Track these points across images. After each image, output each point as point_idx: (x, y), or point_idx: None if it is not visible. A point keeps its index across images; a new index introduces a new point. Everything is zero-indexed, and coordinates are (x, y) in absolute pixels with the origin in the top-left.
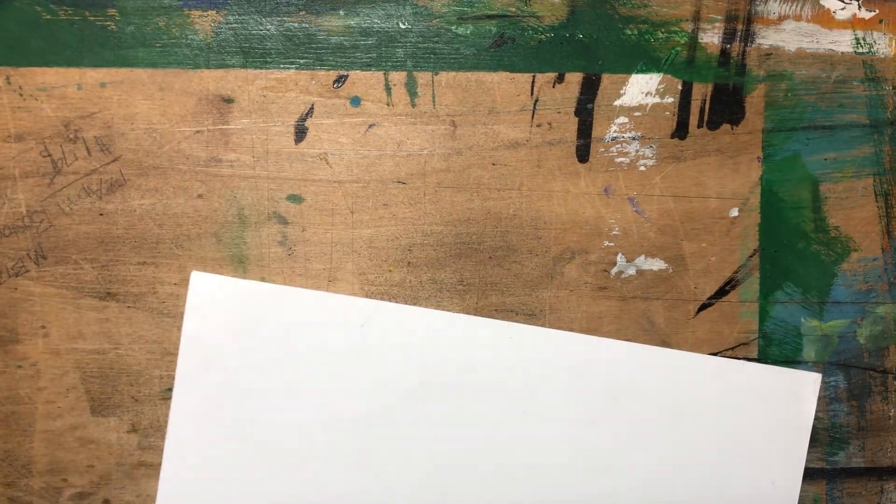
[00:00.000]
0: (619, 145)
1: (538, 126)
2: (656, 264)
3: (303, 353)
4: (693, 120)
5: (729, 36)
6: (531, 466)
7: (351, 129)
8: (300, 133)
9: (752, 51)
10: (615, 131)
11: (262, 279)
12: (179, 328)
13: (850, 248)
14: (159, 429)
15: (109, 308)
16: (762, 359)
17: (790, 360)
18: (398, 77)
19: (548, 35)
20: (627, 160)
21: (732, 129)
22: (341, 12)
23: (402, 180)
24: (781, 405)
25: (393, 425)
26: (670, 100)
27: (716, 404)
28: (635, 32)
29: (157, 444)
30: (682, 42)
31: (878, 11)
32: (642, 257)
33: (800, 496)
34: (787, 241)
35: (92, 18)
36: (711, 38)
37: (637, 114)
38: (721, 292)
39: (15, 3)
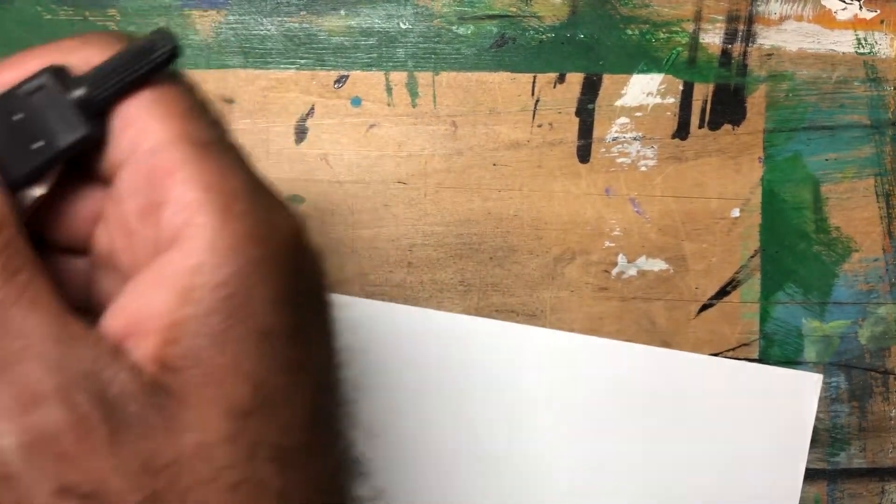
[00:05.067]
0: (620, 146)
1: (539, 126)
2: (657, 265)
3: None
4: (694, 120)
5: (730, 36)
6: (531, 466)
7: (351, 129)
8: (301, 133)
9: (753, 51)
10: (616, 132)
11: None
12: None
13: (851, 249)
14: None
15: None
16: (763, 359)
17: (791, 360)
18: (399, 77)
19: (549, 35)
20: (628, 161)
21: (733, 129)
22: (342, 12)
23: (402, 181)
24: (782, 406)
25: (392, 426)
26: (671, 100)
27: (716, 405)
28: (636, 33)
29: None
30: (684, 42)
31: (879, 12)
32: (643, 258)
33: (801, 497)
34: (788, 241)
35: (92, 19)
36: (713, 38)
37: (638, 114)
38: (722, 293)
39: (15, 3)
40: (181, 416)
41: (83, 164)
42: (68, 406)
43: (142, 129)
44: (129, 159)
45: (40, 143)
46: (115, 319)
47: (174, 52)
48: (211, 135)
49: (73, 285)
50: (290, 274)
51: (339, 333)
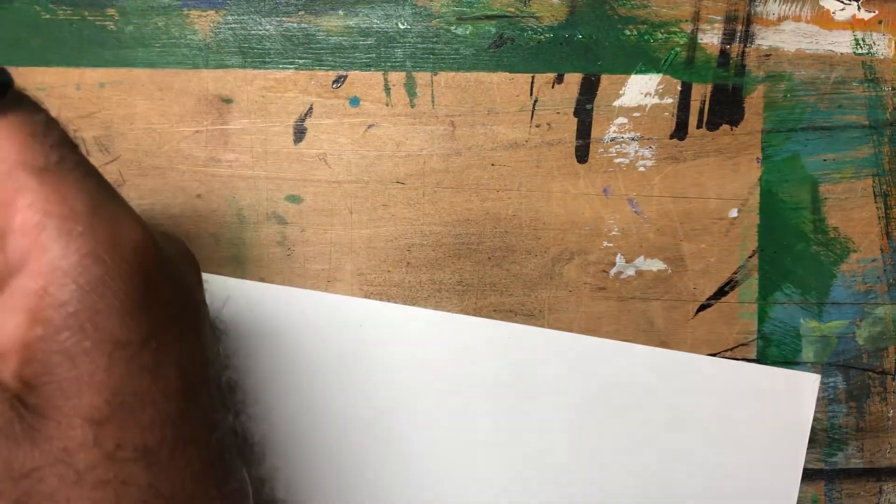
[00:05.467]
0: (618, 146)
1: (537, 126)
2: (655, 265)
3: (301, 353)
4: (692, 120)
5: (728, 37)
6: (530, 466)
7: (350, 129)
8: (299, 133)
9: (751, 51)
10: (614, 132)
11: (261, 279)
12: None
13: (849, 249)
14: None
15: None
16: (761, 360)
17: (789, 360)
18: (397, 77)
19: (547, 35)
20: (626, 161)
21: (732, 129)
22: (340, 12)
23: (401, 181)
24: (780, 406)
25: (392, 425)
26: (669, 100)
27: (714, 405)
28: (635, 33)
29: None
30: (682, 43)
31: (877, 12)
32: (641, 258)
33: (798, 497)
34: (786, 241)
35: (91, 18)
36: (711, 38)
37: (636, 114)
38: (720, 293)
39: (14, 2)
40: (42, 427)
41: None
42: None
43: None
44: None
45: None
46: None
47: (5, 84)
48: (50, 159)
49: None
50: (138, 285)
51: (210, 331)
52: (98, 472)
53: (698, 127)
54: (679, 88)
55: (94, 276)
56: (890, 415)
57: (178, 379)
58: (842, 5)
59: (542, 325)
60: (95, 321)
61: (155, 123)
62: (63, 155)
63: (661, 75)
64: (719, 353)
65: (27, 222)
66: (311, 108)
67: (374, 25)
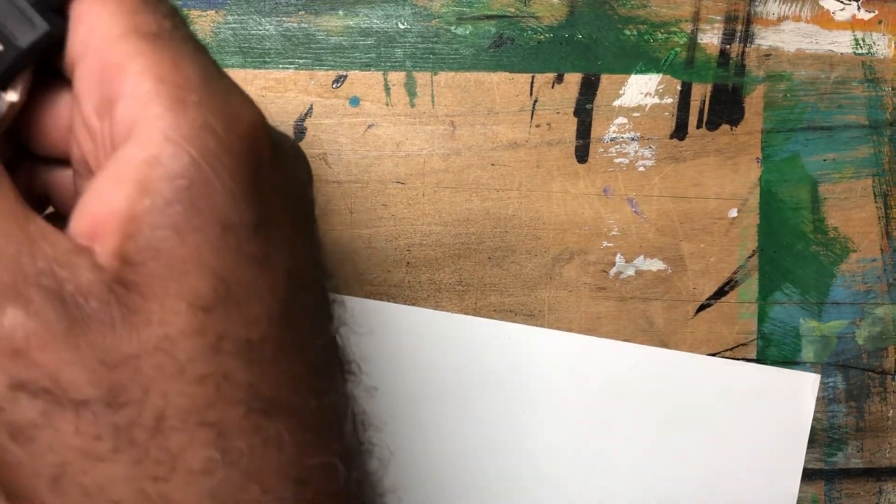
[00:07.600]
0: (618, 146)
1: (537, 126)
2: (655, 265)
3: None
4: (692, 120)
5: (728, 36)
6: (530, 466)
7: (350, 129)
8: (299, 133)
9: (751, 51)
10: (614, 132)
11: None
12: None
13: (849, 249)
14: None
15: None
16: (761, 359)
17: (789, 360)
18: (397, 77)
19: (547, 35)
20: (626, 161)
21: (731, 129)
22: (340, 12)
23: (400, 181)
24: (780, 406)
25: (392, 426)
26: (669, 100)
27: (714, 405)
28: (634, 33)
29: None
30: (682, 42)
31: (877, 12)
32: (641, 258)
33: (798, 497)
34: (785, 241)
35: None
36: (711, 38)
37: (636, 114)
38: (720, 293)
39: None
40: (143, 310)
41: (57, 70)
42: (21, 303)
43: (91, 24)
44: (83, 57)
45: (0, 48)
46: (80, 220)
47: None
48: (162, 26)
49: (66, 196)
50: (251, 166)
51: (318, 235)
52: (198, 366)
53: (698, 127)
54: (679, 88)
55: (208, 149)
56: (889, 415)
57: (285, 275)
58: (841, 5)
59: (541, 325)
60: (208, 198)
61: None
62: (176, 24)
63: (660, 75)
64: (719, 352)
65: (138, 88)
66: (310, 108)
67: (374, 25)
